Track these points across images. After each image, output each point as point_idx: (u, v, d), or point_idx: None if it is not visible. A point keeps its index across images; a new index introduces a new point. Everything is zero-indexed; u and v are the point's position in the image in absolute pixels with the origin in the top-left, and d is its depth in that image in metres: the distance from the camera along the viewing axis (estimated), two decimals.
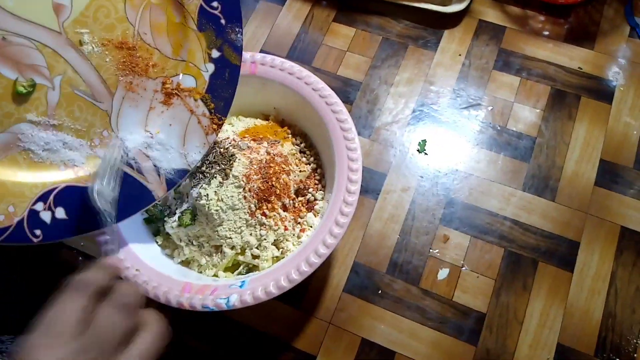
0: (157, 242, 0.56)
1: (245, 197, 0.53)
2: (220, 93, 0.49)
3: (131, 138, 0.48)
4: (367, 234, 0.64)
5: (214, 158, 0.54)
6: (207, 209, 0.52)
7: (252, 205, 0.53)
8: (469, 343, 0.59)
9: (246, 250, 0.54)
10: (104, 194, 0.44)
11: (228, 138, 0.57)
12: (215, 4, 0.47)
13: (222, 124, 0.49)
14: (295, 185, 0.57)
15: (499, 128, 0.70)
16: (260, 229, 0.54)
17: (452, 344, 0.59)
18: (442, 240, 0.64)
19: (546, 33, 0.75)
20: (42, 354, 0.30)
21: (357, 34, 0.77)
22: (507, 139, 0.69)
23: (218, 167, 0.53)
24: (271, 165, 0.55)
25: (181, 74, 0.48)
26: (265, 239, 0.54)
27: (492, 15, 0.77)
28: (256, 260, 0.54)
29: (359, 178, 0.52)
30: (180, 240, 0.55)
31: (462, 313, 0.60)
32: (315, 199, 0.58)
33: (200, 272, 0.55)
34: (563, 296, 0.61)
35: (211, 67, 0.48)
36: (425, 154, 0.68)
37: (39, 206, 0.44)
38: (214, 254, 0.55)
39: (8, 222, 0.43)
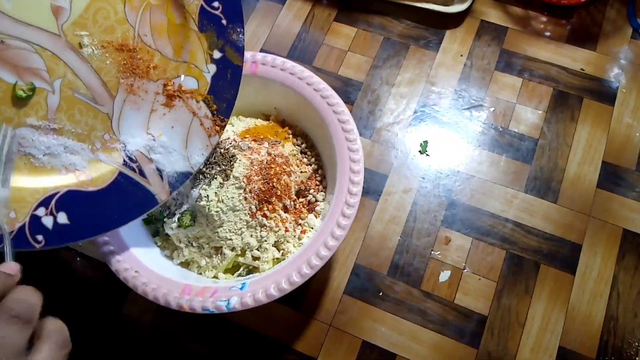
0: (156, 243, 0.56)
1: (245, 198, 0.52)
2: (223, 94, 0.48)
3: (133, 141, 0.47)
4: (368, 235, 0.64)
5: (215, 159, 0.53)
6: (207, 210, 0.52)
7: (253, 207, 0.53)
8: (470, 346, 0.59)
9: (246, 252, 0.54)
10: None
11: (229, 138, 0.56)
12: (216, 4, 0.47)
13: (225, 125, 0.49)
14: (296, 187, 0.57)
15: (500, 129, 0.69)
16: (261, 231, 0.53)
17: (454, 347, 0.59)
18: (443, 242, 0.63)
19: (548, 34, 0.75)
20: None
21: (358, 34, 0.76)
22: (509, 141, 0.68)
23: (218, 168, 0.53)
24: (272, 166, 0.55)
25: (183, 76, 0.47)
26: (265, 241, 0.53)
27: (494, 16, 0.76)
28: (256, 261, 0.54)
29: (361, 180, 0.52)
30: (180, 242, 0.55)
31: (464, 316, 0.60)
32: (317, 200, 0.57)
33: (200, 274, 0.54)
34: (565, 299, 0.60)
35: (213, 68, 0.48)
36: (427, 155, 0.68)
37: (41, 211, 0.43)
38: (214, 256, 0.54)
39: (9, 228, 0.42)
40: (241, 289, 0.48)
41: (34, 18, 0.40)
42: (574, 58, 0.73)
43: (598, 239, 0.63)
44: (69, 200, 0.45)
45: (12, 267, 0.35)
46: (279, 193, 0.54)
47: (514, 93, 0.71)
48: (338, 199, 0.51)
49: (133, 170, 0.47)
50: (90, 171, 0.46)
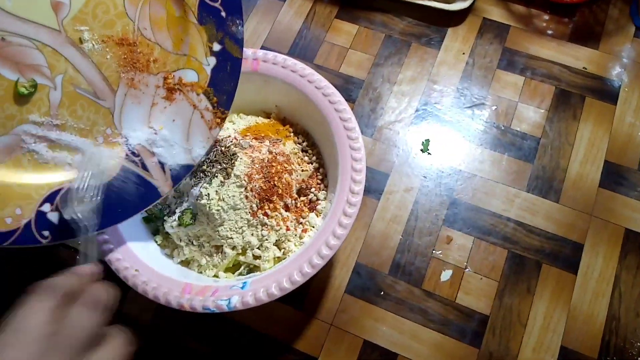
0: (156, 242, 0.55)
1: (246, 197, 0.52)
2: (223, 86, 0.48)
3: (134, 135, 0.47)
4: (369, 234, 0.64)
5: (216, 157, 0.53)
6: (208, 208, 0.51)
7: (254, 205, 0.52)
8: (472, 345, 0.58)
9: (247, 251, 0.53)
10: (81, 201, 0.43)
11: (229, 137, 0.56)
12: None
13: (225, 117, 0.48)
14: (297, 185, 0.56)
15: (502, 128, 0.69)
16: (262, 229, 0.53)
17: (455, 346, 0.58)
18: (445, 241, 0.63)
19: (551, 32, 0.75)
20: (10, 353, 0.29)
21: (360, 31, 0.76)
22: (511, 139, 0.68)
23: (219, 166, 0.52)
24: (273, 164, 0.54)
25: (183, 69, 0.47)
26: (266, 239, 0.53)
27: (497, 14, 0.76)
28: (257, 260, 0.54)
29: (363, 178, 0.52)
30: (180, 240, 0.54)
31: (465, 315, 0.59)
32: (318, 199, 0.57)
33: (201, 273, 0.54)
34: (567, 299, 0.60)
35: (213, 61, 0.47)
36: (429, 153, 0.68)
37: (46, 207, 0.44)
38: (215, 254, 0.54)
39: (16, 224, 0.42)
40: (242, 288, 0.47)
41: (34, 14, 0.40)
42: (577, 57, 0.73)
43: (600, 239, 0.63)
44: None
45: (89, 267, 0.39)
46: (280, 192, 0.54)
47: (516, 91, 0.71)
48: (340, 197, 0.51)
49: (135, 164, 0.47)
50: (101, 172, 0.46)
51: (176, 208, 0.53)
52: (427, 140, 0.68)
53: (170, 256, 0.55)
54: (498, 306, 0.60)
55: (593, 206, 0.64)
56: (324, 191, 0.58)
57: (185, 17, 0.46)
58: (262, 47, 0.75)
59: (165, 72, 0.47)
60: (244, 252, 0.53)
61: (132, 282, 0.48)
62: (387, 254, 0.63)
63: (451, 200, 0.65)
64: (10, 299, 0.33)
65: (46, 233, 0.44)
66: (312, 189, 0.57)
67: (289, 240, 0.54)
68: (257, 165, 0.53)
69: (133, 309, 0.61)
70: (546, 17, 0.76)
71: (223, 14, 0.47)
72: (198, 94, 0.48)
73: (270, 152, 0.55)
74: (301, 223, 0.55)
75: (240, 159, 0.53)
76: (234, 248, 0.53)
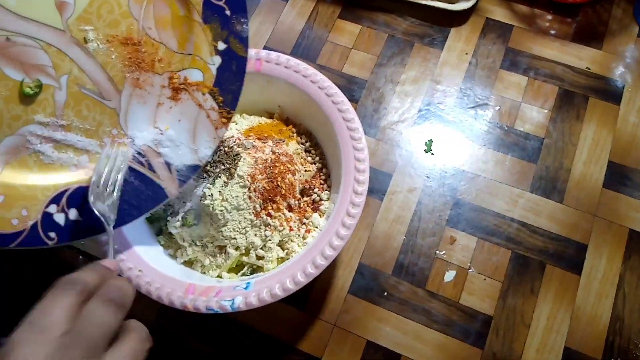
0: (159, 242, 0.55)
1: (250, 197, 0.52)
2: (228, 86, 0.48)
3: (140, 135, 0.47)
4: (372, 234, 0.63)
5: (219, 157, 0.53)
6: (211, 209, 0.51)
7: (257, 206, 0.52)
8: (475, 346, 0.58)
9: (251, 251, 0.53)
10: (102, 197, 0.43)
11: (232, 137, 0.56)
12: None
13: (231, 117, 0.48)
14: (300, 185, 0.56)
15: (506, 128, 0.69)
16: (265, 230, 0.53)
17: (458, 347, 0.58)
18: (448, 241, 0.63)
19: (554, 32, 0.74)
20: (27, 350, 0.29)
21: (363, 31, 0.76)
22: (514, 140, 0.68)
23: (223, 167, 0.52)
24: (276, 164, 0.54)
25: (188, 68, 0.47)
26: (270, 240, 0.53)
27: (500, 14, 0.76)
28: (261, 261, 0.53)
29: (366, 179, 0.52)
30: (184, 241, 0.54)
31: (469, 316, 0.59)
32: (321, 199, 0.57)
33: (204, 273, 0.54)
34: (570, 299, 0.60)
35: (218, 60, 0.47)
36: (432, 154, 0.68)
37: (52, 208, 0.44)
38: (218, 255, 0.54)
39: (22, 225, 0.42)
40: (245, 288, 0.47)
41: (39, 14, 0.40)
42: (580, 57, 0.73)
43: (604, 239, 0.63)
44: (80, 196, 0.45)
45: (112, 263, 0.39)
46: (283, 192, 0.54)
47: (520, 92, 0.71)
48: (343, 198, 0.51)
49: (142, 164, 0.47)
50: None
51: (179, 208, 0.53)
52: (430, 141, 0.68)
53: (174, 256, 0.54)
54: (502, 307, 0.60)
55: (597, 207, 0.64)
56: (327, 191, 0.57)
57: (189, 15, 0.46)
58: (265, 48, 0.75)
59: (170, 72, 0.46)
60: (247, 253, 0.53)
61: (135, 282, 0.48)
62: (391, 255, 0.62)
63: (455, 200, 0.65)
64: (10, 299, 0.33)
65: (52, 234, 0.44)
66: (316, 190, 0.57)
67: (292, 241, 0.54)
68: (260, 166, 0.53)
69: (136, 309, 0.61)
70: (549, 17, 0.76)
71: (228, 12, 0.46)
72: (204, 94, 0.47)
73: (274, 153, 0.55)
74: (304, 223, 0.55)
75: (244, 159, 0.53)
76: (237, 248, 0.53)
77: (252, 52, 0.56)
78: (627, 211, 0.64)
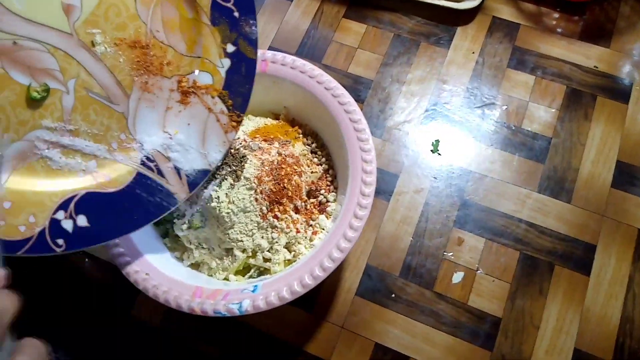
0: (165, 245, 0.55)
1: (256, 199, 0.51)
2: (238, 89, 0.47)
3: (149, 140, 0.46)
4: (379, 236, 0.63)
5: (225, 159, 0.52)
6: (218, 211, 0.51)
7: (264, 208, 0.52)
8: (484, 348, 0.58)
9: (257, 254, 0.53)
10: None
11: (239, 138, 0.55)
12: None
13: (241, 120, 0.48)
14: (307, 187, 0.56)
15: (513, 128, 0.68)
16: (272, 232, 0.53)
17: (467, 349, 0.58)
18: (456, 243, 0.62)
19: (561, 30, 0.74)
20: None
21: (368, 31, 0.75)
22: (522, 139, 0.67)
23: (229, 169, 0.52)
24: (283, 166, 0.54)
25: (197, 71, 0.47)
26: (277, 242, 0.53)
27: (506, 12, 0.75)
28: (267, 263, 0.53)
29: (374, 180, 0.51)
30: (190, 243, 0.54)
31: (477, 318, 0.59)
32: (328, 201, 0.56)
33: (211, 276, 0.54)
34: (579, 300, 0.59)
35: (227, 63, 0.47)
36: (439, 154, 0.67)
37: (60, 215, 0.43)
38: (225, 257, 0.53)
39: (29, 232, 0.42)
40: (253, 291, 0.47)
41: (46, 17, 0.40)
42: (587, 55, 0.72)
43: (613, 240, 0.62)
44: (88, 202, 0.44)
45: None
46: (289, 194, 0.53)
47: (527, 91, 0.70)
48: (350, 200, 0.50)
49: (151, 169, 0.46)
50: (108, 172, 0.45)
51: (185, 211, 0.53)
52: (437, 141, 0.68)
53: (180, 259, 0.54)
54: (510, 308, 0.59)
55: (605, 207, 0.64)
56: (333, 193, 0.57)
57: (197, 18, 0.45)
58: (270, 48, 0.75)
59: (179, 75, 0.46)
60: (254, 255, 0.53)
61: (142, 285, 0.48)
62: (398, 256, 0.62)
63: (462, 201, 0.64)
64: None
65: (60, 241, 0.43)
66: (322, 191, 0.56)
67: (299, 243, 0.54)
68: (266, 168, 0.53)
69: (143, 312, 0.61)
70: (556, 15, 0.75)
71: (236, 14, 0.46)
72: (213, 97, 0.47)
73: (280, 154, 0.55)
74: (311, 225, 0.55)
75: (250, 161, 0.53)
76: (244, 251, 0.53)
77: (257, 53, 0.56)
78: (636, 211, 0.63)
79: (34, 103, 0.41)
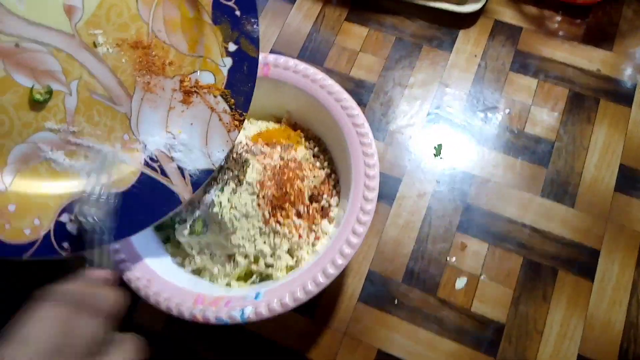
0: (167, 250, 0.54)
1: (259, 205, 0.51)
2: (240, 87, 0.47)
3: (153, 140, 0.46)
4: (382, 241, 0.63)
5: (227, 164, 0.52)
6: (220, 216, 0.50)
7: (266, 213, 0.51)
8: (488, 354, 0.57)
9: (260, 259, 0.52)
10: (90, 203, 0.42)
11: (241, 142, 0.55)
12: None
13: (244, 119, 0.47)
14: (309, 192, 0.55)
15: (516, 132, 0.68)
16: (274, 237, 0.52)
17: (471, 356, 0.57)
18: (459, 248, 0.62)
19: (563, 34, 0.73)
20: None
21: (370, 34, 0.75)
22: (525, 143, 0.67)
23: (231, 174, 0.51)
24: (285, 170, 0.53)
25: (199, 71, 0.46)
26: (279, 248, 0.52)
27: (508, 15, 0.75)
28: (270, 269, 0.53)
29: (377, 185, 0.51)
30: (192, 249, 0.53)
31: (481, 324, 0.58)
32: (330, 206, 0.56)
33: (212, 282, 0.53)
34: (583, 306, 0.59)
35: (229, 61, 0.46)
36: (441, 158, 0.67)
37: (65, 217, 0.43)
38: (227, 263, 0.53)
39: (35, 235, 0.41)
40: (255, 298, 0.47)
41: (48, 19, 0.39)
42: (590, 58, 0.72)
43: (616, 245, 0.62)
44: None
45: (102, 272, 0.38)
46: (292, 199, 0.53)
47: (530, 95, 0.70)
48: (353, 205, 0.50)
49: (154, 170, 0.46)
50: (112, 173, 0.45)
51: (187, 216, 0.53)
52: (440, 145, 0.67)
53: (182, 265, 0.54)
54: (514, 314, 0.59)
55: (609, 211, 0.63)
56: (336, 197, 0.57)
57: (199, 17, 0.45)
58: (272, 51, 0.74)
59: (181, 75, 0.46)
60: (256, 261, 0.52)
61: (144, 292, 0.47)
62: (401, 261, 0.62)
63: (465, 205, 0.64)
64: (12, 302, 0.33)
65: (65, 244, 0.43)
66: (324, 196, 0.56)
67: (301, 249, 0.53)
68: (269, 172, 0.52)
69: (144, 317, 0.60)
70: (558, 18, 0.75)
71: (237, 12, 0.46)
72: (215, 96, 0.47)
73: (282, 159, 0.54)
74: (313, 230, 0.54)
75: (252, 165, 0.52)
76: (246, 257, 0.52)
77: (259, 56, 0.56)
78: None
79: (37, 105, 0.41)
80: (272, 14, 0.77)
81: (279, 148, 0.56)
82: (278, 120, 0.62)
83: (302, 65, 0.56)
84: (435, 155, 0.67)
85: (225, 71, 0.47)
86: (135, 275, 0.48)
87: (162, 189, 0.46)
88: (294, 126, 0.61)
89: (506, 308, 0.59)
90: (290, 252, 0.53)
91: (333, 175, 0.58)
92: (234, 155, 0.52)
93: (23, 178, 0.42)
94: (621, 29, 0.73)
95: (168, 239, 0.55)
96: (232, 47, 0.46)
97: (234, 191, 0.51)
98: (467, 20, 0.75)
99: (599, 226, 0.63)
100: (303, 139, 0.59)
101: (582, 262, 0.61)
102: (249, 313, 0.46)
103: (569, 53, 0.72)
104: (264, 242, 0.52)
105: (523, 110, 0.69)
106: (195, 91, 0.46)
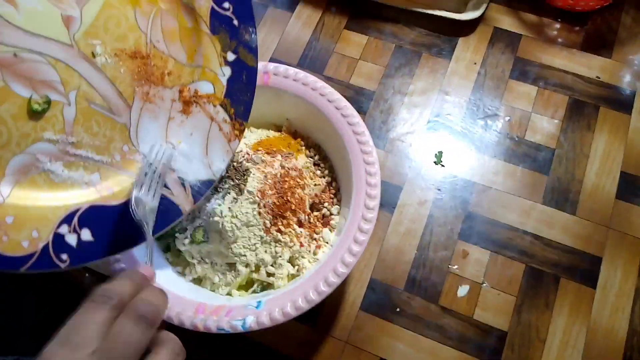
0: (167, 259, 0.54)
1: (260, 213, 0.51)
2: (239, 97, 0.47)
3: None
4: (383, 249, 0.62)
5: (228, 173, 0.52)
6: (220, 225, 0.50)
7: (267, 222, 0.51)
8: None
9: (261, 268, 0.52)
10: (143, 201, 0.42)
11: (241, 151, 0.55)
12: (226, 4, 0.46)
13: (244, 129, 0.47)
14: (310, 200, 0.55)
15: (516, 139, 0.68)
16: (276, 246, 0.52)
17: None
18: (461, 255, 0.62)
19: (563, 41, 0.74)
20: None
21: (370, 42, 0.75)
22: (525, 151, 0.67)
23: (232, 182, 0.51)
24: (286, 179, 0.53)
25: (198, 81, 0.46)
26: (280, 256, 0.52)
27: (508, 23, 0.75)
28: (271, 278, 0.52)
29: (378, 193, 0.51)
30: (192, 258, 0.53)
31: (483, 331, 0.58)
32: (331, 214, 0.56)
33: (213, 290, 0.53)
34: (586, 313, 0.59)
35: (228, 71, 0.46)
36: (442, 165, 0.67)
37: (64, 229, 0.42)
38: (228, 272, 0.52)
39: (33, 248, 0.40)
40: (257, 307, 0.46)
41: (46, 29, 0.39)
42: (590, 66, 0.72)
43: (618, 252, 0.62)
44: (92, 215, 0.43)
45: (149, 270, 0.38)
46: (293, 207, 0.53)
47: (530, 102, 0.70)
48: (354, 213, 0.50)
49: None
50: (112, 185, 0.44)
51: (188, 225, 0.52)
52: (440, 152, 0.67)
53: (182, 274, 0.53)
54: (516, 322, 0.59)
55: (610, 218, 0.63)
56: (337, 206, 0.56)
57: (197, 27, 0.45)
58: (271, 59, 0.75)
59: (180, 85, 0.46)
60: (257, 270, 0.52)
61: None
62: (402, 269, 0.61)
63: (466, 213, 0.64)
64: (14, 318, 0.32)
65: (64, 256, 0.42)
66: (325, 204, 0.56)
67: (302, 257, 0.53)
68: (269, 181, 0.52)
69: None
70: (558, 25, 0.75)
71: (235, 22, 0.46)
72: (215, 106, 0.46)
73: (283, 167, 0.54)
74: (315, 239, 0.54)
75: (253, 174, 0.52)
76: (247, 266, 0.52)
77: (259, 65, 0.56)
78: None
79: (35, 115, 0.40)
80: (272, 22, 0.77)
81: (279, 156, 0.55)
82: (278, 129, 0.62)
83: (302, 74, 0.56)
84: (435, 162, 0.67)
85: (224, 81, 0.47)
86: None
87: (162, 201, 0.45)
88: (294, 134, 0.61)
89: (508, 316, 0.59)
90: (291, 260, 0.53)
91: (334, 184, 0.58)
92: (235, 164, 0.52)
93: (21, 189, 0.41)
94: (620, 36, 0.74)
95: (168, 248, 0.55)
96: (230, 56, 0.46)
97: (235, 200, 0.51)
98: (467, 28, 0.75)
99: (601, 233, 0.62)
100: (303, 147, 0.59)
101: (584, 269, 0.61)
102: (251, 322, 0.45)
103: (568, 60, 0.72)
104: (265, 251, 0.52)
105: (523, 118, 0.69)
106: (194, 101, 0.46)
